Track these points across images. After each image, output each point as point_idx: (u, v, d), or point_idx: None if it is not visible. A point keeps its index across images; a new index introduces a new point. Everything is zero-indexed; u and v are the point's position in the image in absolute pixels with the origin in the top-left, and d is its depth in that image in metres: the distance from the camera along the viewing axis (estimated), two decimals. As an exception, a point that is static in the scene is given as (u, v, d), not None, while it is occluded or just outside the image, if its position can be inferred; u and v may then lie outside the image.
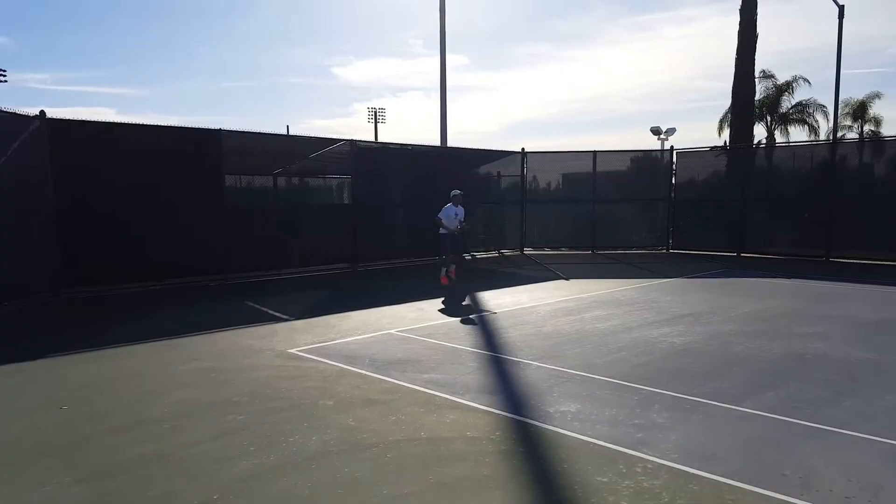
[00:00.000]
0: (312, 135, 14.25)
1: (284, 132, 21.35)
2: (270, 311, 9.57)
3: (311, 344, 7.49)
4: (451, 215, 12.57)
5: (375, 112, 64.75)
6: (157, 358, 6.99)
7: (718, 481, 3.86)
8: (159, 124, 11.81)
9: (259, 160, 14.21)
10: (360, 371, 6.33)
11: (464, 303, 10.45)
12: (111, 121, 11.38)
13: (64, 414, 5.21)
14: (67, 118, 10.84)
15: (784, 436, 4.59)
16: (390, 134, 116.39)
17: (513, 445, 4.46)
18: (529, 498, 3.70)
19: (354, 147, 14.50)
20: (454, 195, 12.72)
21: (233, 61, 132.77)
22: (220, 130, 12.28)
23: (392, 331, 8.19)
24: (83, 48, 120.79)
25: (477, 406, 5.26)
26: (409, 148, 16.40)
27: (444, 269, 12.46)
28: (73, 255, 10.70)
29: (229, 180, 13.27)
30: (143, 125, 11.60)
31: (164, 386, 5.92)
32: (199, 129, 12.24)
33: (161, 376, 6.26)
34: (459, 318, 9.03)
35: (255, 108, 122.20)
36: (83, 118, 10.97)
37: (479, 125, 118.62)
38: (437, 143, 18.62)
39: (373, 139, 48.44)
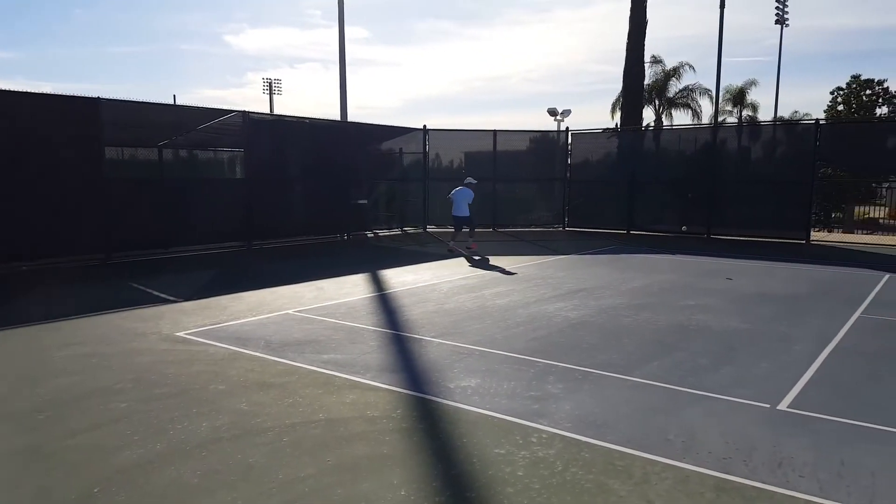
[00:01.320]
0: (203, 105, 13.52)
1: (171, 102, 20.10)
2: (157, 293, 9.04)
3: (201, 326, 7.14)
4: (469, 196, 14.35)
5: (271, 83, 62.66)
6: (31, 343, 6.43)
7: (609, 448, 4.03)
8: (27, 91, 10.76)
9: (144, 131, 13.31)
10: (254, 353, 6.10)
11: (366, 282, 10.31)
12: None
13: (-85, 409, 4.68)
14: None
15: (669, 402, 4.86)
16: (287, 106, 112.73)
17: (413, 423, 4.45)
18: (429, 474, 3.71)
19: (247, 119, 13.89)
20: (469, 182, 14.38)
21: (117, 25, 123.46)
22: (98, 99, 11.41)
23: (289, 311, 7.96)
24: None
25: (378, 385, 5.21)
26: (307, 121, 15.91)
27: (469, 240, 14.19)
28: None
29: (110, 153, 12.37)
30: (5, 91, 10.52)
31: (39, 373, 5.45)
32: (73, 97, 11.32)
33: (35, 363, 5.76)
34: (361, 297, 8.91)
35: (144, 76, 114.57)
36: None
37: (380, 100, 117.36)
38: (338, 117, 18.22)
39: (268, 111, 46.78)
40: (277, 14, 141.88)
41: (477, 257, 13.18)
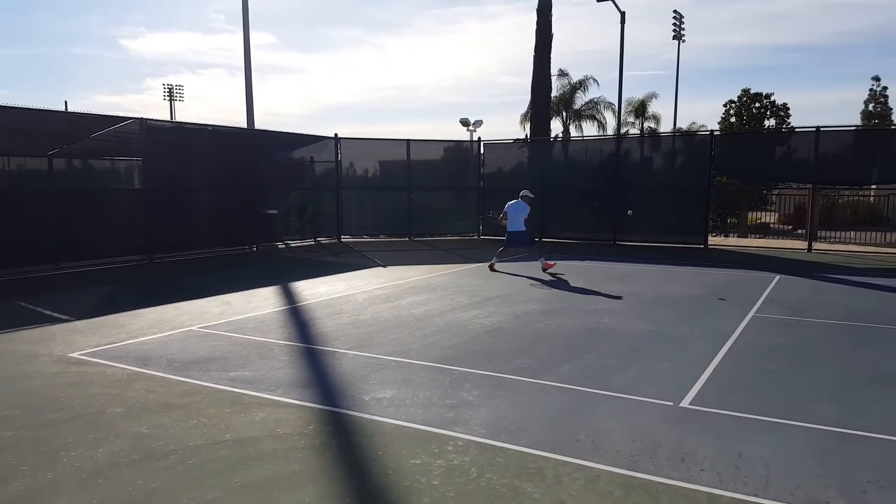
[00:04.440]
0: (97, 112, 12.77)
1: (62, 108, 18.94)
2: (47, 312, 8.42)
3: (97, 346, 6.69)
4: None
5: (171, 89, 60.67)
6: None
7: (522, 452, 4.07)
8: None
9: (31, 139, 12.42)
10: (155, 373, 5.77)
11: (277, 294, 10.01)
12: None
13: None
14: None
15: (579, 404, 4.97)
16: (190, 113, 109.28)
17: (327, 438, 4.34)
18: (343, 489, 3.61)
19: (145, 126, 13.23)
20: (524, 195, 12.96)
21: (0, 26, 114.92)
22: (-21, 105, 10.58)
23: (193, 327, 7.60)
24: None
25: (289, 401, 5.05)
26: (210, 128, 15.35)
27: (542, 259, 12.51)
28: None
29: (-6, 162, 11.49)
30: None
31: None
32: (-52, 102, 10.43)
33: None
34: (271, 311, 8.64)
35: (32, 80, 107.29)
36: None
37: (289, 107, 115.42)
38: (244, 124, 17.71)
39: (169, 118, 45.09)
40: (178, 18, 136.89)
41: (549, 277, 11.64)
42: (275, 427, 4.51)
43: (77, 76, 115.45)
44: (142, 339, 7.05)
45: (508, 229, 12.77)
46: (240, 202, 15.35)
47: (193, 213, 14.53)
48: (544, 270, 12.05)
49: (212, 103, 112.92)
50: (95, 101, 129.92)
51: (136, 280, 11.58)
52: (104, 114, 12.72)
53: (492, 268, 12.60)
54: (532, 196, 13.12)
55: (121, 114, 13.10)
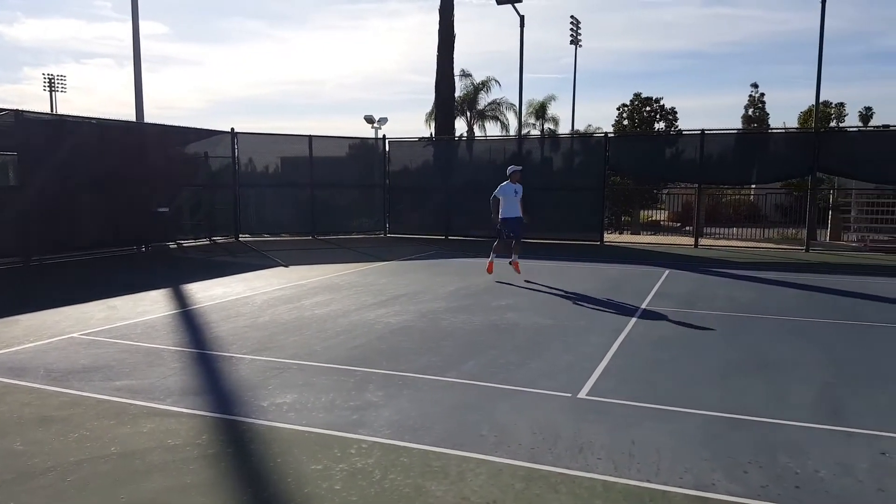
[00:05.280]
0: (-36, 102, 11.66)
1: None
2: None
3: (-37, 357, 6.09)
4: (512, 194, 11.02)
5: (52, 79, 56.54)
6: None
7: (426, 450, 4.05)
8: None
9: None
10: (31, 385, 5.31)
11: (168, 298, 9.49)
12: None
13: None
14: None
15: (483, 400, 5.02)
16: (75, 104, 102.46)
17: (221, 447, 4.13)
18: (238, 500, 3.45)
19: (21, 118, 12.23)
20: (512, 171, 11.18)
21: None
22: None
23: (75, 334, 7.05)
24: None
25: (180, 410, 4.77)
26: (94, 121, 14.38)
27: (492, 255, 11.28)
28: None
29: None
30: None
31: None
32: None
33: None
34: (160, 315, 8.18)
35: None
36: None
37: (183, 101, 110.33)
38: (134, 117, 16.73)
39: (49, 110, 42.15)
40: (59, 4, 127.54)
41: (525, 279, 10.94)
42: (164, 438, 4.26)
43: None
44: (16, 347, 6.48)
45: (501, 216, 11.14)
46: (127, 200, 14.46)
47: (76, 212, 13.53)
48: (490, 272, 11.52)
49: (99, 95, 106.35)
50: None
51: (10, 284, 10.65)
52: (-30, 104, 11.65)
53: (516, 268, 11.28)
54: (516, 168, 11.32)
55: (-6, 104, 12.04)
